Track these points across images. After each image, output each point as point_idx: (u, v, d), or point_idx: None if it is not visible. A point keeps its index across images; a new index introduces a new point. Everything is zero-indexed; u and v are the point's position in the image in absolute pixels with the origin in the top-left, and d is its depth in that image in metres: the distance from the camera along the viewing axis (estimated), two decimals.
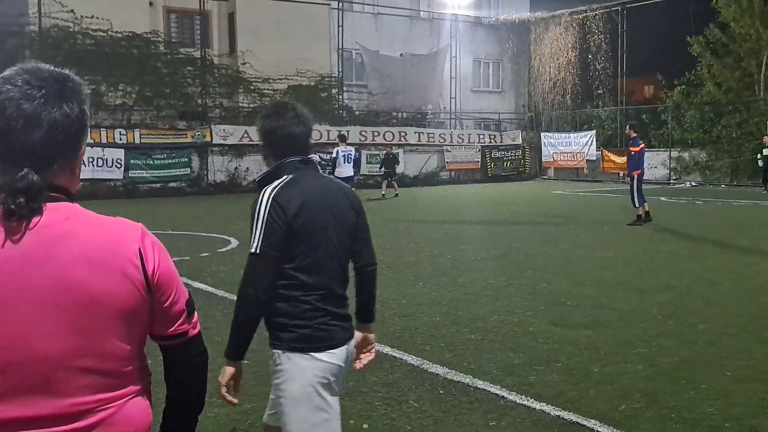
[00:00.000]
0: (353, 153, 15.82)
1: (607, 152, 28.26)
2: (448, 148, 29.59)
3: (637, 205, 12.83)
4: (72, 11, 22.03)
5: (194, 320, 1.51)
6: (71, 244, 1.29)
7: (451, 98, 31.45)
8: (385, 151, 23.38)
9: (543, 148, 30.82)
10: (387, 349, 5.19)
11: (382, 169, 22.87)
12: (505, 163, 30.82)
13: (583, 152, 28.92)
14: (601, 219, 14.03)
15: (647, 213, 12.83)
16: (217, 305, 6.80)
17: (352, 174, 15.96)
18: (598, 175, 28.26)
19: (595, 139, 28.59)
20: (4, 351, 1.25)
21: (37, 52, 22.25)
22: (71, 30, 22.39)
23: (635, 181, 12.85)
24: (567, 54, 30.73)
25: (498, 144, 31.04)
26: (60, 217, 1.30)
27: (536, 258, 9.42)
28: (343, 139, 16.26)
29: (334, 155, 15.66)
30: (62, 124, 1.31)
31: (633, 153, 13.03)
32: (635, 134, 13.32)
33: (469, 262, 9.11)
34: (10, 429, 1.25)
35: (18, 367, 1.26)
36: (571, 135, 29.87)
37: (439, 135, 29.60)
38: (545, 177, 31.06)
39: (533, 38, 32.10)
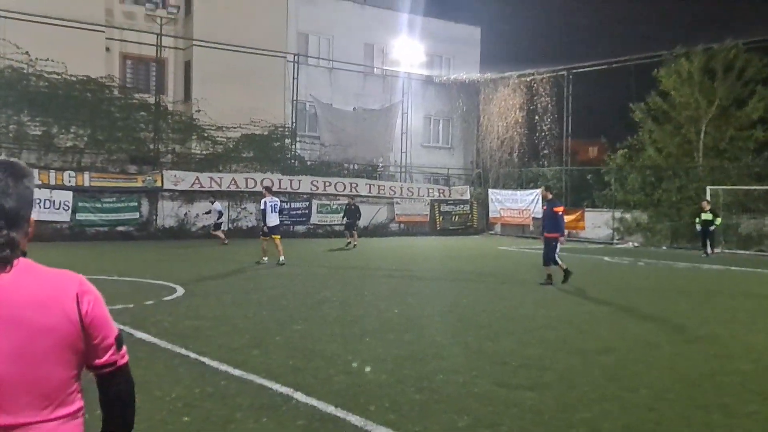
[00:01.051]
0: (278, 203, 16.44)
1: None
2: (398, 200, 29.99)
3: (559, 263, 12.87)
4: (27, 53, 21.82)
5: (122, 352, 1.80)
6: (23, 290, 1.62)
7: (401, 152, 32.05)
8: (347, 203, 23.54)
9: (490, 204, 31.50)
10: (331, 409, 5.16)
11: (345, 219, 23.07)
12: (454, 217, 31.35)
13: (529, 209, 29.67)
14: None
15: (549, 276, 12.90)
16: (160, 357, 6.66)
17: (279, 223, 16.43)
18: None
19: (540, 197, 29.37)
20: None
21: None
22: (25, 71, 22.11)
23: (558, 242, 12.95)
24: (515, 114, 31.81)
25: (447, 198, 31.61)
26: (17, 268, 1.65)
27: (481, 315, 9.56)
28: (269, 190, 16.86)
29: (262, 206, 16.18)
30: (24, 194, 1.72)
31: (560, 213, 13.07)
32: (552, 195, 13.47)
33: (415, 318, 9.18)
34: None
35: None
36: (518, 192, 30.66)
37: (390, 187, 29.99)
38: (492, 232, 31.66)
39: (482, 98, 33.18)
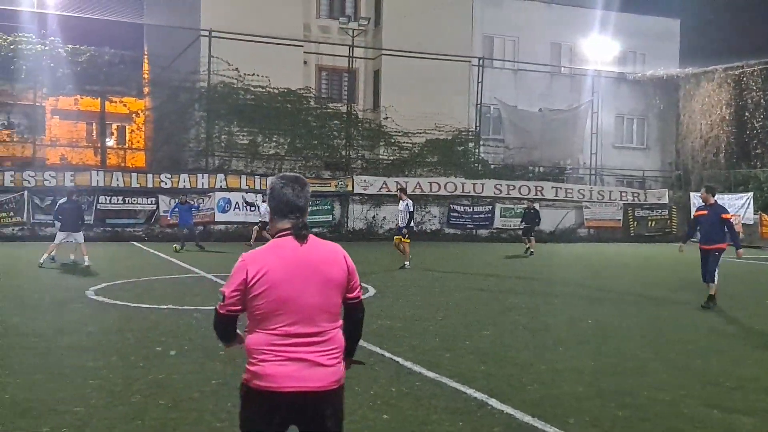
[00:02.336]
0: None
1: (766, 216, 26.18)
2: (587, 204, 28.73)
3: (715, 281, 10.88)
4: (236, 69, 24.05)
5: (361, 291, 2.96)
6: (317, 253, 2.76)
7: (591, 154, 30.70)
8: (525, 206, 22.60)
9: (692, 208, 29.03)
10: (527, 418, 5.05)
11: (522, 224, 22.14)
12: (650, 222, 29.41)
13: (739, 215, 26.91)
14: (759, 290, 12.92)
15: (712, 296, 10.78)
16: (357, 355, 6.91)
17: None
18: (755, 240, 26.15)
19: (752, 202, 26.59)
20: (296, 302, 2.67)
21: (205, 105, 24.39)
22: (235, 86, 24.38)
23: (721, 253, 10.92)
24: (720, 110, 29.16)
25: (642, 202, 29.74)
26: (310, 240, 2.79)
27: (686, 329, 8.84)
28: (404, 191, 16.19)
29: (407, 208, 15.49)
30: (308, 196, 2.87)
31: (729, 220, 11.02)
32: (714, 199, 11.30)
33: (611, 329, 8.73)
34: (299, 338, 2.68)
35: (301, 310, 2.68)
36: (725, 196, 27.93)
37: (578, 191, 28.87)
38: (695, 239, 29.12)
39: (682, 94, 30.81)
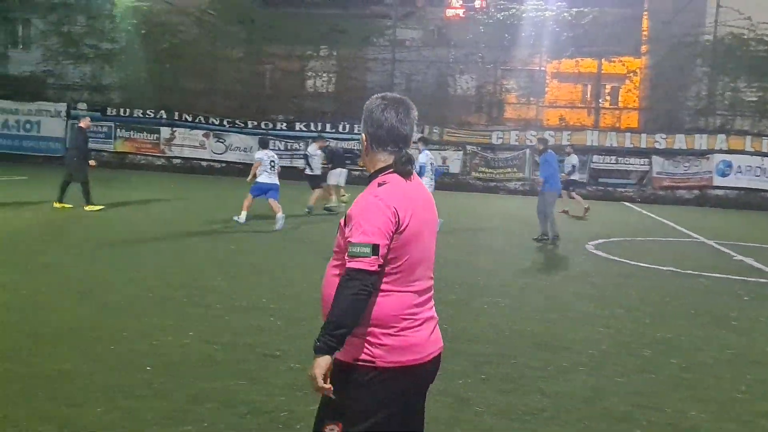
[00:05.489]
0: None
1: None
2: None
3: None
4: (748, 18, 21.67)
5: None
6: (422, 191, 2.34)
7: None
8: None
9: None
10: None
11: None
12: None
13: None
14: None
15: None
16: None
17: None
18: None
19: None
20: (427, 251, 2.30)
21: (709, 60, 22.77)
22: (745, 37, 22.06)
23: None
24: None
25: None
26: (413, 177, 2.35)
27: None
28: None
29: None
30: (414, 124, 2.34)
31: None
32: None
33: None
34: (425, 293, 2.30)
35: (428, 260, 2.32)
36: None
37: None
38: None
39: None
